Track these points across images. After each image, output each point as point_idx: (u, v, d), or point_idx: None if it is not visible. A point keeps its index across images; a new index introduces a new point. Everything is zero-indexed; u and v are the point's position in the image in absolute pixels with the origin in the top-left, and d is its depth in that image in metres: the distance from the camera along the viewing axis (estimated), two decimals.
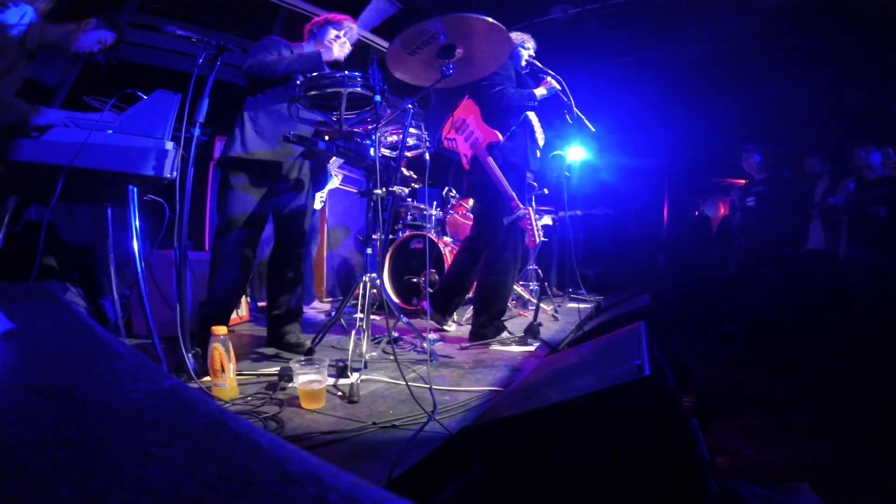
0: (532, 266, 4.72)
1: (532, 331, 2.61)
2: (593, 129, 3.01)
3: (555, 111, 2.92)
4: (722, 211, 7.36)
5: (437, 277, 3.76)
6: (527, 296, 4.15)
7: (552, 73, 2.73)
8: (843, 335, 4.03)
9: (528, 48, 2.83)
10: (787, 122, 5.61)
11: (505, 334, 2.60)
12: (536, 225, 2.42)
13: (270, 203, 2.28)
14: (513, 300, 4.18)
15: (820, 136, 5.23)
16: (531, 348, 2.49)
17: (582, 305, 4.68)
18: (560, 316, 3.80)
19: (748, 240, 4.24)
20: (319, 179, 2.43)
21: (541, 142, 2.81)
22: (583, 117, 2.90)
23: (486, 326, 2.53)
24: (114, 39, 2.15)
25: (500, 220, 2.50)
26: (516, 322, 3.42)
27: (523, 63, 2.79)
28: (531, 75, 2.81)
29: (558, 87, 2.70)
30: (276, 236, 2.37)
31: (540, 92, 2.64)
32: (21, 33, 1.85)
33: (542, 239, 2.43)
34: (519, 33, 2.81)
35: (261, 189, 2.19)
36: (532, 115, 2.75)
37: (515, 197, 2.46)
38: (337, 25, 2.35)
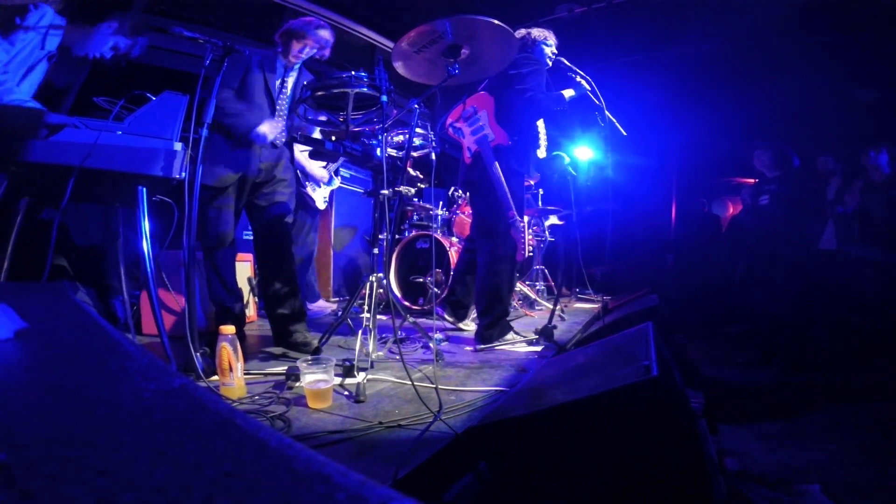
0: (538, 266, 4.71)
1: (546, 333, 2.58)
2: (625, 133, 2.81)
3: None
4: (731, 210, 7.30)
5: (443, 277, 3.76)
6: (533, 296, 4.14)
7: (581, 72, 2.57)
8: (855, 336, 3.98)
9: (550, 45, 2.66)
10: (797, 121, 5.56)
11: (511, 335, 2.58)
12: (528, 239, 2.36)
13: (247, 216, 2.35)
14: (519, 300, 4.17)
15: (831, 135, 5.17)
16: (538, 348, 2.48)
17: (589, 305, 4.67)
18: (567, 316, 3.79)
19: (759, 239, 4.19)
20: (292, 186, 2.42)
21: (542, 151, 2.74)
22: (614, 120, 2.71)
23: (492, 328, 2.52)
24: (128, 48, 2.12)
25: (497, 221, 2.44)
26: (523, 322, 3.42)
27: (547, 62, 2.63)
28: (554, 73, 2.66)
29: (588, 87, 2.56)
30: (256, 245, 2.39)
31: (568, 93, 2.52)
32: (42, 35, 1.86)
33: (530, 254, 2.34)
34: (540, 29, 2.64)
35: (231, 204, 2.24)
36: (539, 123, 2.69)
37: (513, 207, 2.39)
38: (300, 39, 2.24)
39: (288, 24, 2.28)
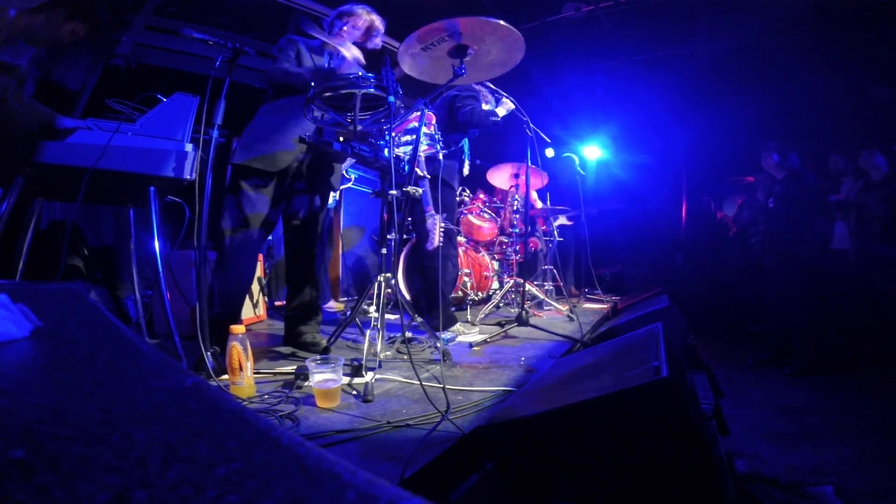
0: (546, 266, 4.70)
1: (520, 320, 2.83)
2: (548, 140, 3.40)
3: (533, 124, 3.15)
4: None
5: None
6: (541, 296, 4.13)
7: (505, 93, 2.97)
8: (869, 336, 3.93)
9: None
10: (809, 120, 5.48)
11: (458, 325, 2.90)
12: (438, 231, 2.64)
13: (281, 204, 2.31)
14: (528, 300, 4.16)
15: (842, 135, 5.10)
16: (559, 335, 2.47)
17: (598, 306, 4.65)
18: (576, 316, 3.77)
19: (767, 239, 4.16)
20: (330, 180, 2.44)
21: (465, 168, 3.14)
22: (539, 131, 3.21)
23: (437, 318, 2.67)
24: (86, 30, 2.08)
25: (423, 222, 2.73)
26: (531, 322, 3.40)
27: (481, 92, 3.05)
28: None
29: (513, 106, 2.98)
30: (286, 238, 2.40)
31: (501, 111, 2.94)
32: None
33: (439, 243, 2.69)
34: None
35: (271, 190, 2.21)
36: (466, 143, 3.06)
37: (431, 203, 2.68)
38: (346, 16, 2.36)
39: (339, 9, 2.40)
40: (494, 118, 2.89)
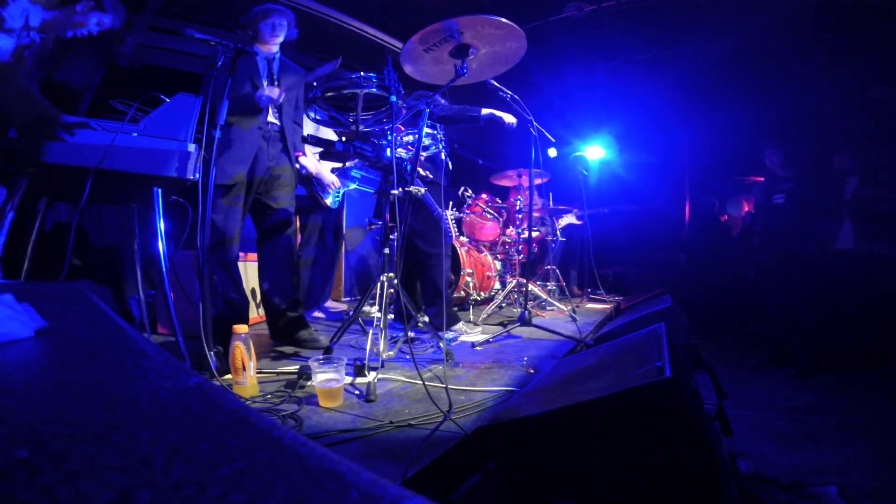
0: (549, 266, 4.69)
1: (523, 320, 2.82)
2: (553, 140, 3.45)
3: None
4: (746, 209, 7.19)
5: (452, 277, 3.76)
6: (544, 296, 4.13)
7: (510, 91, 2.94)
8: (872, 336, 3.91)
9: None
10: (813, 119, 5.45)
11: (460, 325, 2.97)
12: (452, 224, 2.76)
13: (250, 215, 2.37)
14: (530, 300, 4.16)
15: (848, 134, 5.07)
16: (562, 335, 2.47)
17: (601, 306, 4.64)
18: (578, 316, 3.77)
19: (773, 238, 4.13)
20: (292, 192, 2.50)
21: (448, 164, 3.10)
22: (544, 131, 3.18)
23: (439, 317, 2.67)
24: (112, 22, 2.07)
25: (416, 222, 2.83)
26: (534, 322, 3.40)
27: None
28: (483, 93, 2.96)
29: (514, 121, 2.93)
30: (261, 247, 2.43)
31: (486, 110, 2.89)
32: (32, 42, 1.86)
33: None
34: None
35: (240, 202, 2.25)
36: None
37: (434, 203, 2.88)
38: (265, 18, 2.32)
39: (247, 15, 2.34)
40: (473, 114, 2.92)
